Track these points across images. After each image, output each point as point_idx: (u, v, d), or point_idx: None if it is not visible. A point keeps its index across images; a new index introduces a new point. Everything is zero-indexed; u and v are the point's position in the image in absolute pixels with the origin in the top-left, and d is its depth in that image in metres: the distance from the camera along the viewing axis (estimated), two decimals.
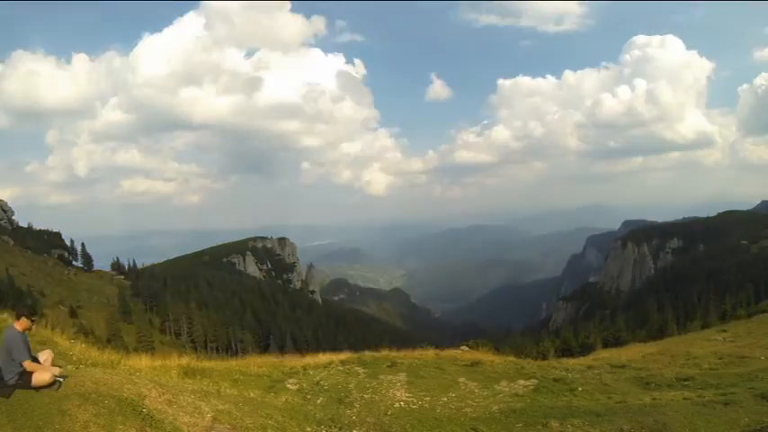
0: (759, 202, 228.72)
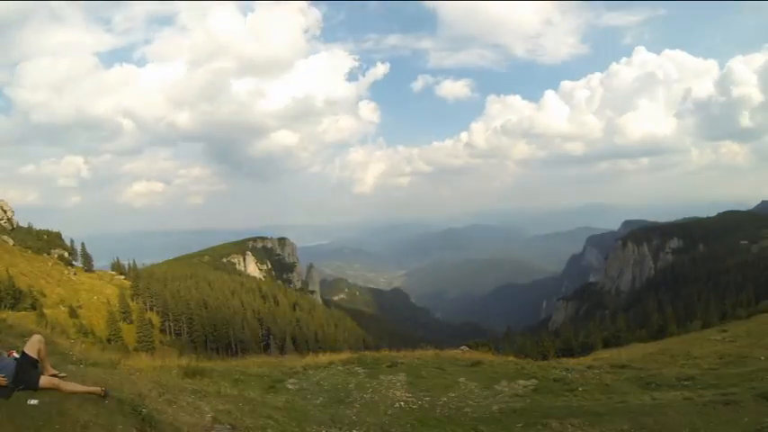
0: (759, 202, 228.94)
